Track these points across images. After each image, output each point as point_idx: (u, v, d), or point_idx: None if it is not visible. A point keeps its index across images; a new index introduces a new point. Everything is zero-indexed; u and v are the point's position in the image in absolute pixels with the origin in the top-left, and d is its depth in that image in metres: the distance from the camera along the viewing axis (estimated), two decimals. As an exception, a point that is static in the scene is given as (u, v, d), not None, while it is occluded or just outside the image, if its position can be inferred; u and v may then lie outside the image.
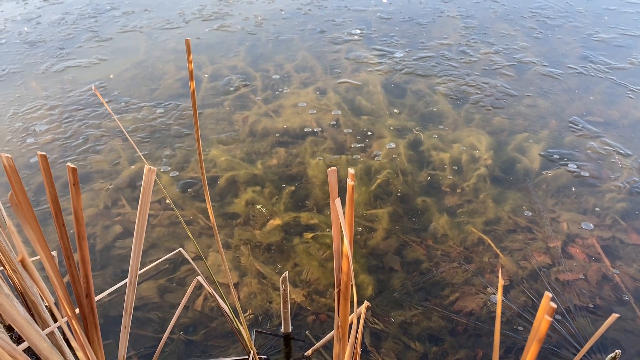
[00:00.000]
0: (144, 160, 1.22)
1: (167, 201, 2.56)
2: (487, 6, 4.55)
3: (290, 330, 1.93)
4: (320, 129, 3.04)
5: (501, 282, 0.71)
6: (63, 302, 0.71)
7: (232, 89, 3.41)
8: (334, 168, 0.97)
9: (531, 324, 1.99)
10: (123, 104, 3.25)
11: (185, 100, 3.31)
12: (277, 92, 3.37)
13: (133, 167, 2.76)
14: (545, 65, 3.67)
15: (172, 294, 2.15)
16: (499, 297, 0.70)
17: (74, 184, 0.81)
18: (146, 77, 3.54)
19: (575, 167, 2.77)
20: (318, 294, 2.12)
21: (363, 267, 2.23)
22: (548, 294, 0.68)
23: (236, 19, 4.33)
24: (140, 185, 2.63)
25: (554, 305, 0.66)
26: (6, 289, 0.74)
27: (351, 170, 0.96)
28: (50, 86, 3.44)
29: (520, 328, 1.97)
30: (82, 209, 0.83)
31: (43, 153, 0.80)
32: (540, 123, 3.10)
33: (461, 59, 3.76)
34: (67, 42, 3.98)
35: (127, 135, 1.10)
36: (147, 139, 2.95)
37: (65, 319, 1.18)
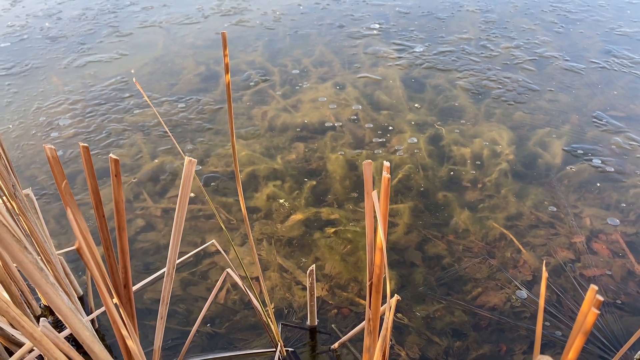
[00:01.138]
0: (182, 153, 1.23)
1: (192, 195, 2.58)
2: (507, 0, 4.51)
3: (316, 323, 1.94)
4: (339, 123, 3.04)
5: (545, 275, 0.71)
6: (113, 291, 0.72)
7: (252, 84, 3.42)
8: (370, 161, 0.97)
9: (557, 318, 1.98)
10: (145, 98, 3.27)
11: (204, 95, 3.32)
12: (296, 87, 3.38)
13: (156, 161, 2.78)
14: (567, 60, 3.63)
15: (195, 286, 2.17)
16: (542, 289, 0.70)
17: (115, 175, 0.82)
18: (165, 72, 3.56)
19: (600, 162, 2.74)
20: (340, 288, 2.13)
21: (387, 261, 2.23)
22: (594, 287, 0.68)
23: (254, 13, 4.33)
24: (162, 180, 2.66)
25: (601, 298, 0.65)
26: (52, 278, 0.76)
27: (386, 163, 0.96)
28: (72, 81, 3.48)
29: (547, 323, 1.96)
30: (123, 200, 0.84)
31: (85, 144, 0.81)
32: (562, 118, 3.07)
33: (482, 53, 3.73)
34: (88, 37, 4.01)
35: (167, 130, 1.10)
36: (171, 133, 2.97)
37: (103, 308, 1.20)
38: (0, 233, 0.66)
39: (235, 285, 2.15)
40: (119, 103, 3.24)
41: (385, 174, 0.94)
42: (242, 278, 2.18)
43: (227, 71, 0.98)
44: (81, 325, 0.79)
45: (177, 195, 2.58)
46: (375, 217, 1.02)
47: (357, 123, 3.04)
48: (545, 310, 2.01)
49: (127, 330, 0.63)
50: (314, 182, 2.64)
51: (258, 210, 2.50)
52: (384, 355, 1.20)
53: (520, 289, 2.10)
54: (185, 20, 4.23)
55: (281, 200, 2.53)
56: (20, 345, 1.43)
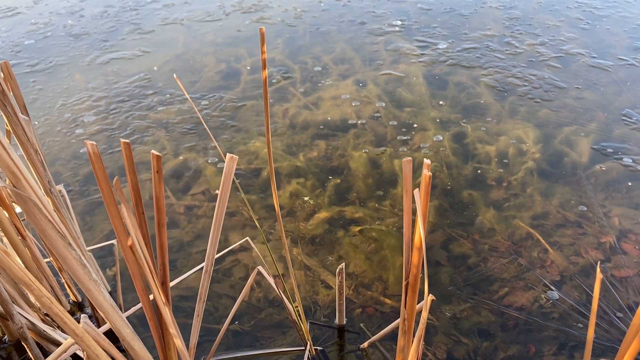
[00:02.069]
0: (221, 152, 1.22)
1: (216, 192, 2.58)
2: (531, -4, 4.45)
3: (345, 322, 1.93)
4: (361, 121, 3.02)
5: (599, 277, 0.68)
6: (158, 286, 0.72)
7: (274, 81, 3.41)
8: (410, 158, 0.95)
9: (586, 317, 1.94)
10: (168, 95, 3.28)
11: (225, 92, 3.32)
12: (319, 85, 3.36)
13: (180, 158, 2.78)
14: (593, 57, 3.57)
15: (219, 284, 2.17)
16: (596, 292, 0.67)
17: (157, 172, 0.81)
18: (187, 69, 3.57)
19: (631, 161, 2.68)
20: (364, 287, 2.11)
21: (411, 261, 2.21)
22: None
23: (275, 11, 4.33)
24: (186, 177, 2.66)
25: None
26: (94, 275, 0.75)
27: (427, 161, 0.94)
28: (96, 78, 3.50)
29: (580, 325, 1.92)
30: (164, 197, 0.83)
31: (126, 141, 0.81)
32: (590, 115, 3.02)
33: (506, 50, 3.68)
34: (110, 34, 4.04)
35: (206, 127, 1.10)
36: (193, 131, 2.98)
37: (139, 305, 1.19)
38: (46, 229, 0.66)
39: (259, 282, 2.15)
40: (142, 100, 3.26)
41: (426, 172, 0.92)
42: (273, 276, 2.17)
43: (264, 67, 0.97)
44: (122, 322, 0.78)
45: (200, 192, 2.58)
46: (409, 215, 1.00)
47: (379, 120, 3.02)
48: (576, 311, 1.98)
49: (174, 329, 0.62)
50: (338, 180, 2.62)
51: (281, 208, 2.49)
52: (417, 356, 1.18)
53: (551, 289, 2.06)
54: (206, 18, 4.23)
55: (306, 198, 2.52)
56: (51, 340, 1.43)
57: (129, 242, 0.56)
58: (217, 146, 1.12)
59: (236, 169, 2.71)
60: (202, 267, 1.04)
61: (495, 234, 2.34)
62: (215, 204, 2.50)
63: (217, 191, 2.58)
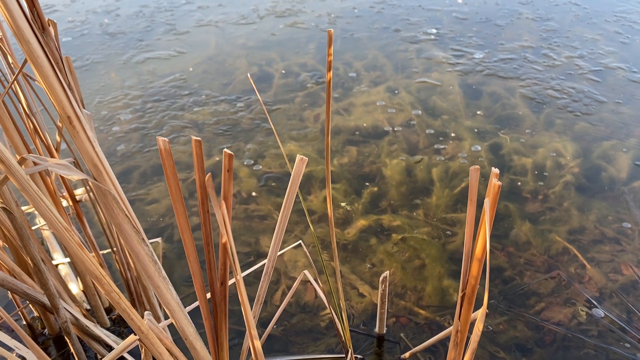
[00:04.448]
0: (281, 146, 1.21)
1: (254, 194, 2.58)
2: (568, 9, 4.39)
3: (385, 331, 1.90)
4: (394, 128, 3.00)
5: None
6: (240, 283, 0.70)
7: (308, 85, 3.41)
8: (477, 167, 0.93)
9: (632, 336, 1.89)
10: (204, 96, 3.29)
11: (260, 94, 3.32)
12: (351, 91, 3.35)
13: (216, 158, 2.79)
14: (634, 71, 3.50)
15: (249, 287, 2.16)
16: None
17: (228, 170, 0.80)
18: (219, 71, 3.58)
19: (674, 178, 2.63)
20: (397, 296, 2.09)
21: (447, 271, 2.18)
22: None
23: (309, 16, 4.33)
24: (219, 177, 2.66)
25: None
26: (163, 272, 0.75)
27: (495, 170, 0.92)
28: (132, 77, 3.53)
29: (627, 345, 1.87)
30: (232, 196, 0.83)
31: (198, 138, 0.80)
32: (629, 130, 2.96)
33: (544, 62, 3.63)
34: (146, 34, 4.07)
35: (273, 128, 1.09)
36: (229, 132, 2.98)
37: (195, 303, 1.19)
38: (123, 224, 0.65)
39: (290, 287, 2.13)
40: (178, 100, 3.28)
41: (496, 181, 0.90)
42: (290, 282, 2.15)
43: (329, 69, 0.96)
44: (186, 321, 0.78)
45: (232, 194, 2.58)
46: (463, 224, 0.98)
47: (411, 128, 2.99)
48: (619, 328, 1.93)
49: (254, 330, 0.61)
50: (375, 189, 2.60)
51: (313, 213, 2.48)
52: (466, 369, 1.15)
53: (596, 307, 2.02)
54: (241, 21, 4.26)
55: (342, 204, 2.51)
56: (92, 336, 1.44)
57: (223, 240, 0.55)
58: (277, 138, 1.11)
59: (268, 172, 2.70)
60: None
61: (531, 247, 2.30)
62: (248, 207, 2.50)
63: (253, 193, 2.58)
